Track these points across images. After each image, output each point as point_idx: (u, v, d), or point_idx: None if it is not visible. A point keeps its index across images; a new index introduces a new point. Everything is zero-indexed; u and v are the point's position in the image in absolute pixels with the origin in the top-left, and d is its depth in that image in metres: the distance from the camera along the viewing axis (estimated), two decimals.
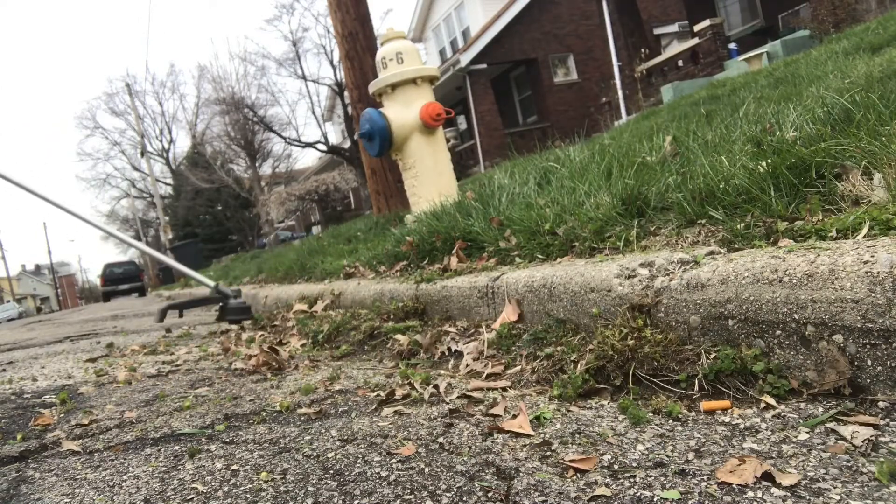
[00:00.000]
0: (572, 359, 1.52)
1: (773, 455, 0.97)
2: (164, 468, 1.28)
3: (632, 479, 0.96)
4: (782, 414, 1.11)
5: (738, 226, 1.58)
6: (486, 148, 17.81)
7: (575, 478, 0.99)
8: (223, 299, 3.82)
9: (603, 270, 1.57)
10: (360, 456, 1.21)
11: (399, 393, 1.62)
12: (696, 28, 13.08)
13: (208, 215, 34.12)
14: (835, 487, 0.85)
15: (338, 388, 1.82)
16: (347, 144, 20.18)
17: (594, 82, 17.69)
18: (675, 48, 14.35)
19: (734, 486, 0.89)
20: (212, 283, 3.92)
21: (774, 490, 0.86)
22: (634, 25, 15.18)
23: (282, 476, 1.15)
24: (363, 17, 6.66)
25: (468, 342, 1.97)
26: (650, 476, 0.96)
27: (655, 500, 0.88)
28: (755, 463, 0.93)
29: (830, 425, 1.03)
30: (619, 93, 14.15)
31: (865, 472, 0.88)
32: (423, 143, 4.25)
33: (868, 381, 1.07)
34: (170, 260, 4.40)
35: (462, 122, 20.62)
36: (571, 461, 1.05)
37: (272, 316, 3.83)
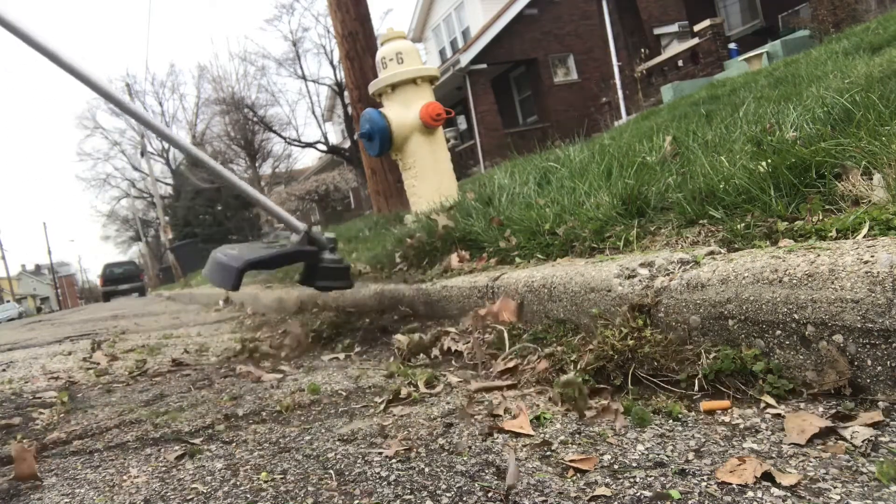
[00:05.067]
0: (572, 359, 1.51)
1: (773, 455, 0.97)
2: (164, 468, 1.28)
3: (632, 479, 0.96)
4: (782, 414, 1.11)
5: (739, 226, 1.58)
6: (486, 148, 17.81)
7: (575, 478, 0.99)
8: (313, 254, 2.68)
9: (603, 270, 1.57)
10: (360, 456, 1.21)
11: (399, 393, 1.62)
12: (696, 28, 13.09)
13: (208, 215, 34.11)
14: (835, 487, 0.85)
15: (338, 388, 1.82)
16: (347, 144, 20.19)
17: (594, 82, 17.69)
18: (675, 48, 14.35)
19: (734, 485, 0.89)
20: (302, 226, 2.75)
21: (774, 490, 0.86)
22: (634, 25, 15.19)
23: (282, 476, 1.15)
24: (363, 17, 6.65)
25: (468, 342, 1.97)
26: (650, 476, 0.96)
27: (655, 500, 0.88)
28: (755, 463, 0.93)
29: (830, 425, 1.03)
30: (619, 93, 14.14)
31: (865, 472, 0.88)
32: (423, 143, 4.25)
33: (868, 381, 1.07)
34: (264, 199, 2.84)
35: (462, 122, 20.63)
36: (571, 461, 1.05)
37: (273, 316, 3.83)
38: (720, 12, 15.39)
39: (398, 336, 2.25)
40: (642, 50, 14.49)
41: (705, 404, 1.21)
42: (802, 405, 1.12)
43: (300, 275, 2.79)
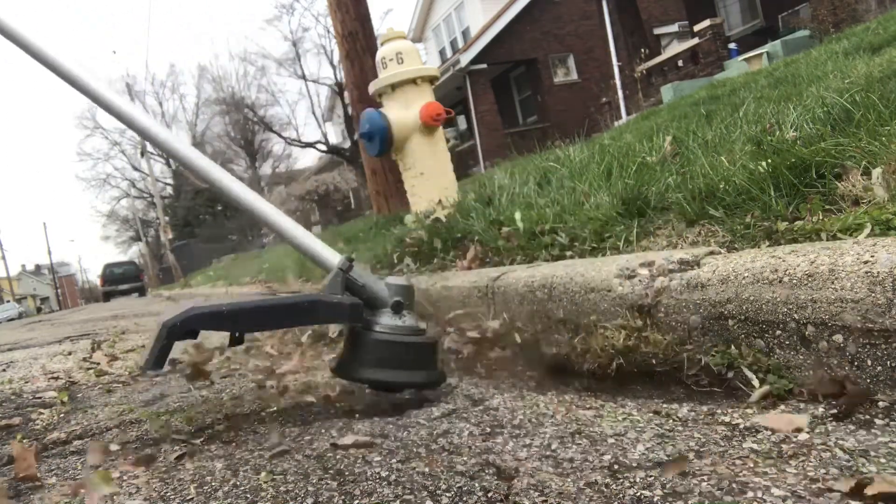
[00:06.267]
0: (573, 359, 1.52)
1: (773, 455, 0.97)
2: (164, 468, 1.28)
3: (632, 480, 0.96)
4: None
5: (739, 226, 1.58)
6: (486, 148, 17.81)
7: (575, 478, 0.99)
8: (346, 312, 1.47)
9: (603, 270, 1.57)
10: (360, 456, 1.21)
11: None
12: (696, 28, 13.09)
13: (208, 215, 34.13)
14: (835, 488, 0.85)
15: (339, 388, 1.82)
16: (347, 144, 20.20)
17: (594, 82, 17.69)
18: (675, 48, 14.36)
19: (734, 486, 0.89)
20: (337, 259, 1.56)
21: (774, 490, 0.86)
22: (634, 25, 15.19)
23: (282, 476, 1.15)
24: (363, 17, 6.65)
25: (468, 342, 1.96)
26: (650, 476, 0.96)
27: (655, 500, 0.88)
28: (755, 463, 0.93)
29: (830, 425, 1.03)
30: (619, 93, 14.15)
31: (865, 472, 0.88)
32: (423, 144, 4.25)
33: (868, 381, 1.07)
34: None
35: (462, 122, 20.63)
36: (572, 461, 1.05)
37: None
38: (720, 12, 15.39)
39: None
40: (642, 50, 14.49)
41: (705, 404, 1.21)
42: (802, 405, 1.12)
43: (336, 356, 1.62)
